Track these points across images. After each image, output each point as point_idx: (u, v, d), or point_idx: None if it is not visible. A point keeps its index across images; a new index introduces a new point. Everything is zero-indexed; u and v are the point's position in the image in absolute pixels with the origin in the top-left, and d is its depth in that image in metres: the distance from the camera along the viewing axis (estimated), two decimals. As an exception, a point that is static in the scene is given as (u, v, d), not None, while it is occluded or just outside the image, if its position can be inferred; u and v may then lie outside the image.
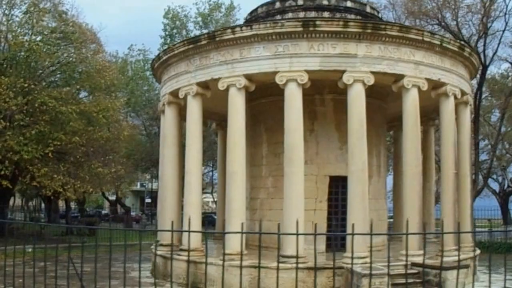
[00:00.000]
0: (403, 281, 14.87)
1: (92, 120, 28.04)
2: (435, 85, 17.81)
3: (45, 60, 27.50)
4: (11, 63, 27.62)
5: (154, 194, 54.41)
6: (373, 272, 14.40)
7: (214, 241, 23.50)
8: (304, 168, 18.99)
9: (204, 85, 18.00)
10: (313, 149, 19.08)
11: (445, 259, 16.50)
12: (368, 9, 20.72)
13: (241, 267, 8.07)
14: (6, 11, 28.30)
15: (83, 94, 32.03)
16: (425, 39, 16.93)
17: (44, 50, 26.99)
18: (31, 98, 25.57)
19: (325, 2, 19.93)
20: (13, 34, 27.67)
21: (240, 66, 16.96)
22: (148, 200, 72.89)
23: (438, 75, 17.52)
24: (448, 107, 18.02)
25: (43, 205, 59.50)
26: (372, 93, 18.26)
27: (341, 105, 18.09)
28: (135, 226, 53.52)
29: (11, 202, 43.23)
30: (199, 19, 46.01)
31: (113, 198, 54.36)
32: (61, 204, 49.81)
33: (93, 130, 28.03)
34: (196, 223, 17.17)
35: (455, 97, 18.21)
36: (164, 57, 19.51)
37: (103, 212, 70.12)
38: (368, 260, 15.48)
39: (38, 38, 28.16)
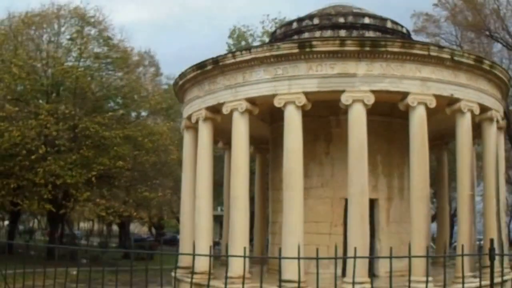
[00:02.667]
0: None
1: (138, 144, 28.91)
2: (450, 101, 16.97)
3: (88, 86, 28.67)
4: (54, 89, 28.98)
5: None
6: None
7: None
8: (319, 191, 18.80)
9: (213, 109, 18.10)
10: (328, 171, 18.72)
11: (456, 286, 15.66)
12: (389, 25, 20.08)
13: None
14: (52, 38, 29.86)
15: (130, 118, 32.97)
16: (432, 53, 16.18)
17: (88, 76, 28.22)
18: (73, 124, 26.78)
19: (341, 20, 19.57)
20: (57, 61, 29.05)
21: (242, 90, 16.95)
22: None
23: (450, 91, 16.66)
24: (463, 124, 17.07)
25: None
26: (394, 112, 17.73)
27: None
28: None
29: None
30: (265, 38, 46.26)
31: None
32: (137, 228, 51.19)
33: (139, 155, 28.87)
34: (204, 247, 17.25)
35: (473, 113, 17.24)
36: (180, 82, 19.84)
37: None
38: (367, 286, 14.98)
39: (82, 64, 29.44)
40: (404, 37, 20.20)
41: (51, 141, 26.59)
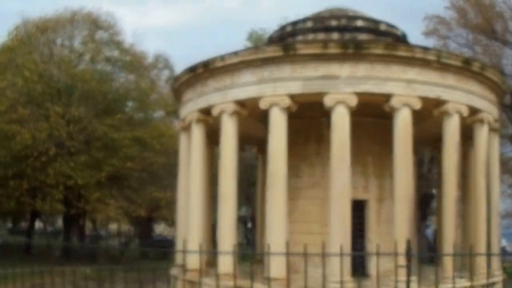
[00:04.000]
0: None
1: (147, 146, 29.55)
2: (437, 103, 17.05)
3: (99, 89, 29.43)
4: (66, 92, 29.81)
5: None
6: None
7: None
8: (310, 192, 19.06)
9: (204, 111, 18.48)
10: (319, 172, 18.95)
11: (443, 286, 15.79)
12: (382, 27, 20.23)
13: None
14: (65, 42, 30.76)
15: (140, 120, 33.63)
16: (417, 55, 16.31)
17: (99, 79, 28.96)
18: (83, 126, 27.56)
19: (334, 23, 19.78)
20: (69, 64, 29.89)
21: (230, 92, 17.31)
22: (249, 225, 73.82)
23: (437, 93, 16.73)
24: (450, 126, 17.12)
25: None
26: (386, 113, 17.84)
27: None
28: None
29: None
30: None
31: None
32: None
33: (148, 156, 29.51)
34: (196, 245, 17.72)
35: (461, 115, 17.27)
36: (176, 85, 20.35)
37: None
38: (349, 285, 15.21)
39: (93, 68, 30.24)
40: (399, 39, 20.32)
41: (61, 143, 27.37)
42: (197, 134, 18.78)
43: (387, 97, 16.32)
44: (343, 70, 16.06)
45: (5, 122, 26.85)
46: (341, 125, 16.00)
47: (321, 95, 16.15)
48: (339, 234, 15.60)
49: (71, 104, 28.35)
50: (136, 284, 20.12)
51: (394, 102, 16.21)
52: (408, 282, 8.02)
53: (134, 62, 31.94)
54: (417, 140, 20.84)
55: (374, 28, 19.88)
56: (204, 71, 18.02)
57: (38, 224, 63.98)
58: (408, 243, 7.59)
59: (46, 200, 29.27)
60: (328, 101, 16.02)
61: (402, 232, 15.86)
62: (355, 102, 16.00)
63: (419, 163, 28.88)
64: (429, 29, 31.44)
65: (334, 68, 16.09)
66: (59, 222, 69.23)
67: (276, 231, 16.05)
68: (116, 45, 32.05)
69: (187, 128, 20.02)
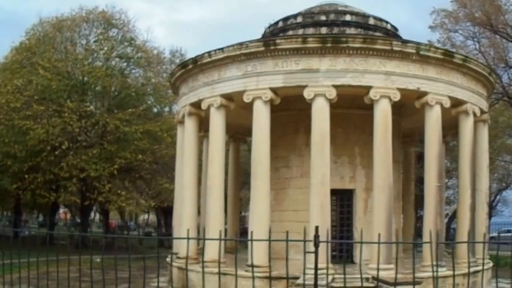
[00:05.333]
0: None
1: (158, 138, 30.51)
2: (418, 95, 17.47)
3: (111, 85, 30.50)
4: (79, 89, 30.96)
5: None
6: (306, 282, 14.76)
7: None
8: (299, 181, 19.66)
9: (195, 105, 19.26)
10: (307, 162, 19.38)
11: (420, 274, 16.18)
12: (371, 21, 20.67)
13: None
14: (80, 41, 31.94)
15: (151, 113, 34.53)
16: (395, 48, 16.73)
17: (112, 75, 30.02)
18: (94, 120, 28.67)
19: (323, 18, 20.34)
20: (83, 62, 31.03)
21: (218, 86, 18.05)
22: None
23: (417, 84, 17.17)
24: (431, 117, 17.53)
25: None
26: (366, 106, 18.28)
27: (336, 119, 18.49)
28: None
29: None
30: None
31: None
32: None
33: (159, 148, 30.46)
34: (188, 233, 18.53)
35: (443, 106, 17.63)
36: (172, 81, 21.18)
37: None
38: (329, 271, 15.77)
39: (106, 64, 31.33)
40: (388, 33, 20.73)
41: (74, 137, 28.54)
42: (190, 127, 19.58)
43: (366, 89, 16.84)
44: (323, 63, 16.63)
45: (21, 118, 28.09)
46: (320, 117, 16.58)
47: (301, 88, 16.76)
48: (319, 222, 16.11)
49: (85, 100, 29.50)
50: (141, 271, 21.27)
51: (373, 94, 16.71)
52: (316, 270, 8.44)
53: (148, 58, 32.97)
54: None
55: (363, 22, 20.35)
56: (194, 67, 18.80)
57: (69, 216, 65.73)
58: (317, 229, 8.08)
59: (60, 192, 30.58)
60: (307, 94, 16.61)
61: (381, 220, 16.41)
62: (334, 95, 16.55)
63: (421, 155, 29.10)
64: (435, 23, 31.61)
65: (314, 62, 16.67)
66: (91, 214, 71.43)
67: (259, 219, 16.72)
68: (129, 42, 33.08)
69: (180, 122, 20.85)
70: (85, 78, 30.55)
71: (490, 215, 48.41)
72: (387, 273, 15.66)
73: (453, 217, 39.87)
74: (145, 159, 29.59)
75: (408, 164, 25.51)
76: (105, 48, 31.29)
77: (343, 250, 19.49)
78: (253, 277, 9.26)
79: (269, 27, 21.95)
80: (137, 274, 20.57)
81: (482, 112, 19.75)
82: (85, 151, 28.51)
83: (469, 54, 30.12)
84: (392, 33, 20.96)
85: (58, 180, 29.79)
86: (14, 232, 29.44)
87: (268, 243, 15.75)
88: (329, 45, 16.54)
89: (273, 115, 19.44)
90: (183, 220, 19.18)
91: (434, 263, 16.58)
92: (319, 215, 16.24)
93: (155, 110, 34.07)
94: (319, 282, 14.82)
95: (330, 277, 15.43)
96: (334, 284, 15.29)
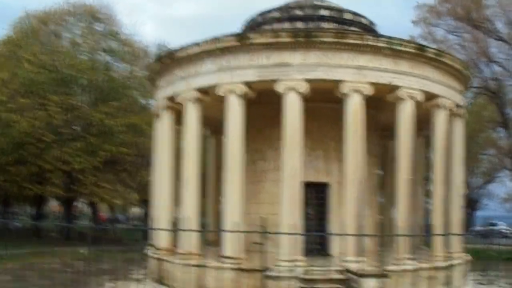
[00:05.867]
0: (329, 286, 15.35)
1: (142, 132, 30.66)
2: (391, 89, 17.66)
3: (95, 79, 30.64)
4: (64, 82, 31.08)
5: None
6: (281, 274, 15.09)
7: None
8: (275, 175, 19.83)
9: (172, 99, 19.43)
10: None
11: (392, 267, 16.44)
12: (347, 16, 20.82)
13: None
14: (65, 34, 32.06)
15: (135, 107, 34.65)
16: (367, 42, 16.93)
17: (95, 69, 30.18)
18: (78, 114, 28.83)
19: (299, 13, 20.51)
20: (67, 55, 31.15)
21: (193, 80, 18.24)
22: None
23: (389, 79, 17.37)
24: (403, 110, 17.73)
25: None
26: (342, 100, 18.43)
27: (311, 113, 18.72)
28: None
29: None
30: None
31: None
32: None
33: (143, 141, 30.61)
34: (164, 226, 18.88)
35: (415, 100, 17.81)
36: (149, 74, 21.35)
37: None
38: (299, 263, 16.02)
39: (90, 58, 31.48)
40: (365, 28, 20.90)
41: (58, 130, 28.70)
42: (166, 120, 19.79)
43: (338, 83, 17.01)
44: (295, 58, 16.82)
45: (6, 111, 28.24)
46: (292, 111, 16.77)
47: (274, 82, 16.94)
48: (289, 215, 16.39)
49: (70, 94, 29.65)
50: (125, 263, 21.60)
51: (344, 88, 16.91)
52: (260, 258, 8.68)
53: (133, 52, 33.11)
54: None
55: (338, 17, 20.52)
56: (170, 61, 19.00)
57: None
58: (264, 221, 8.32)
59: (45, 185, 30.74)
60: (280, 88, 16.81)
61: (351, 213, 16.63)
62: (306, 89, 16.72)
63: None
64: (419, 18, 31.81)
65: (286, 56, 16.86)
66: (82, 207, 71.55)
67: (232, 212, 16.94)
68: (114, 36, 33.20)
69: (159, 115, 21.03)
70: (70, 72, 30.64)
71: (475, 209, 49.08)
72: (358, 266, 15.97)
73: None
74: (129, 152, 29.80)
75: (387, 157, 25.68)
76: (90, 42, 31.42)
77: (319, 243, 19.72)
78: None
79: (247, 21, 22.09)
80: (120, 265, 20.96)
81: (457, 106, 19.95)
82: (69, 144, 28.71)
83: (451, 48, 30.41)
84: (368, 28, 21.12)
85: (42, 172, 29.92)
86: (2, 223, 29.68)
87: (241, 235, 16.31)
88: (301, 39, 16.71)
89: (251, 108, 19.63)
90: (160, 212, 19.40)
91: (406, 255, 17.18)
92: (289, 207, 16.43)
93: (142, 103, 34.16)
94: (291, 274, 15.35)
95: (301, 269, 15.74)
96: (306, 276, 15.55)
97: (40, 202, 38.69)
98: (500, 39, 29.73)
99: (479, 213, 49.57)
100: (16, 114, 28.04)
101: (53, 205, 61.70)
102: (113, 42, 33.12)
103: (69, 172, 29.84)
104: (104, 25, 33.49)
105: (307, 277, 15.47)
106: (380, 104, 20.52)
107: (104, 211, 62.66)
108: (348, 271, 15.82)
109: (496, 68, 31.36)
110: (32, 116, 28.13)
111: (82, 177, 29.20)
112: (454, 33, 31.18)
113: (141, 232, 31.46)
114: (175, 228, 18.63)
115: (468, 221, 47.11)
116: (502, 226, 46.04)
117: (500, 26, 29.77)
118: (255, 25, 21.13)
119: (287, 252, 16.02)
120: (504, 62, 31.06)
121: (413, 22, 31.87)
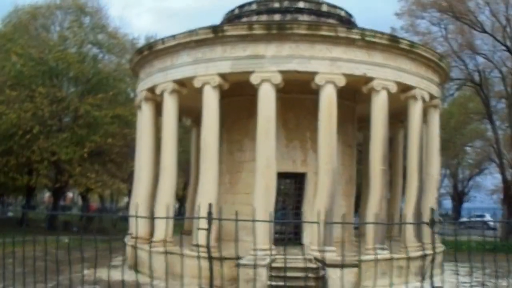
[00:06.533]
0: (299, 274, 15.57)
1: (128, 123, 30.94)
2: (365, 80, 17.89)
3: (82, 71, 30.93)
4: (51, 74, 31.38)
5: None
6: (252, 262, 15.32)
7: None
8: (252, 165, 20.04)
9: (151, 90, 19.72)
10: (259, 146, 19.97)
11: (363, 257, 16.67)
12: (324, 8, 21.09)
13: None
14: (54, 28, 32.34)
15: (121, 98, 34.95)
16: (340, 34, 17.16)
17: (83, 61, 30.47)
18: (65, 105, 29.14)
19: (277, 5, 20.78)
20: (55, 48, 31.42)
21: (171, 72, 18.53)
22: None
23: (363, 70, 17.60)
24: (377, 102, 17.96)
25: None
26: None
27: (288, 104, 19.08)
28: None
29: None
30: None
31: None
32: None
33: (129, 132, 30.89)
34: (144, 215, 19.13)
35: (389, 92, 18.05)
36: (131, 66, 21.63)
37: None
38: (271, 252, 16.27)
39: (78, 51, 31.76)
40: (342, 20, 21.14)
41: (44, 122, 29.01)
42: (146, 111, 20.08)
43: (312, 75, 17.26)
44: (269, 49, 17.08)
45: (-6, 103, 28.56)
46: (266, 102, 17.04)
47: (248, 74, 17.20)
48: (263, 204, 16.63)
49: (57, 86, 29.96)
50: (106, 252, 21.87)
51: (318, 79, 17.16)
52: (208, 248, 8.92)
53: (121, 45, 33.40)
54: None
55: (316, 9, 20.79)
56: (149, 53, 19.29)
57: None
58: (210, 206, 8.59)
59: (33, 175, 31.13)
60: (254, 79, 17.08)
61: (323, 203, 16.88)
62: (280, 80, 17.00)
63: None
64: (403, 10, 32.00)
65: (260, 48, 17.12)
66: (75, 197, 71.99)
67: (206, 201, 17.15)
68: (101, 29, 33.48)
69: (140, 106, 21.30)
70: (58, 64, 30.90)
71: (462, 201, 49.42)
72: (328, 255, 16.22)
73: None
74: (115, 142, 30.13)
75: (367, 149, 25.92)
76: (78, 35, 31.70)
77: (293, 232, 20.05)
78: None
79: (226, 14, 22.32)
80: (102, 254, 21.24)
81: (432, 97, 20.18)
82: (56, 135, 29.03)
83: (434, 40, 30.63)
84: (345, 20, 21.36)
85: (30, 163, 30.26)
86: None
87: (215, 224, 16.55)
88: (274, 32, 16.97)
89: (228, 100, 19.99)
90: (139, 200, 19.66)
91: (377, 245, 17.44)
92: (263, 197, 16.69)
93: (129, 94, 34.42)
94: (261, 262, 15.60)
95: (272, 258, 16.00)
96: (276, 265, 15.81)
97: (30, 192, 39.05)
98: (484, 31, 29.91)
99: (466, 205, 49.90)
100: (3, 106, 28.31)
101: (47, 196, 62.21)
102: (101, 35, 33.39)
103: (57, 163, 30.16)
104: (91, 18, 33.74)
105: (277, 265, 15.74)
106: (357, 96, 20.87)
107: (95, 202, 63.11)
108: (317, 260, 16.09)
109: (481, 60, 31.62)
110: (19, 108, 28.40)
111: (69, 168, 29.52)
112: (439, 25, 31.38)
113: (126, 221, 31.89)
114: (145, 216, 18.78)
115: (456, 212, 47.52)
116: (487, 218, 46.36)
117: (483, 18, 29.98)
118: (234, 17, 21.40)
119: (260, 241, 16.27)
120: (489, 54, 31.33)
121: (397, 14, 32.12)
